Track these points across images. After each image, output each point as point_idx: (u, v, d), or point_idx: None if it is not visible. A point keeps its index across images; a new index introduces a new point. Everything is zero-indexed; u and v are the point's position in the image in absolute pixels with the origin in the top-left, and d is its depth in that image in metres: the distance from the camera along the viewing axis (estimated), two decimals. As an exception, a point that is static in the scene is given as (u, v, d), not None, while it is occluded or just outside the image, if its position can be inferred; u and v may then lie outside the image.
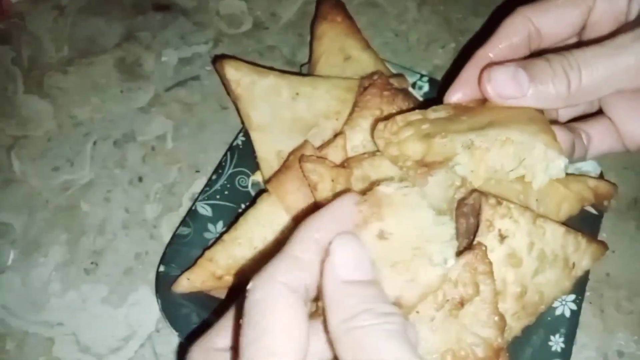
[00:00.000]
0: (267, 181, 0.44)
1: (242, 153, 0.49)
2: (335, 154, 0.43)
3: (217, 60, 0.48)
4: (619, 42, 0.32)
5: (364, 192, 0.34)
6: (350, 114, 0.45)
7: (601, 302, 0.48)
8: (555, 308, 0.45)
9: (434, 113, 0.41)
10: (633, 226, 0.51)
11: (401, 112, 0.40)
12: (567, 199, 0.47)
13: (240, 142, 0.50)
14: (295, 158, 0.42)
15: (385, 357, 0.24)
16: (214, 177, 0.48)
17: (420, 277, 0.34)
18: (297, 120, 0.47)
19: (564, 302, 0.45)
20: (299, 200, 0.42)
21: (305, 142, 0.43)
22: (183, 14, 0.61)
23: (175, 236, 0.46)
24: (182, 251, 0.45)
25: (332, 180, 0.40)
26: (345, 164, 0.42)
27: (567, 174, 0.48)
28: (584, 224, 0.47)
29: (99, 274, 0.47)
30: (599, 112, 0.40)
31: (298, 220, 0.40)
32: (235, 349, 0.27)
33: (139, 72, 0.58)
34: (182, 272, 0.43)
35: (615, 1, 0.35)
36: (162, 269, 0.44)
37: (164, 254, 0.44)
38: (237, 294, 0.43)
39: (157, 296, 0.43)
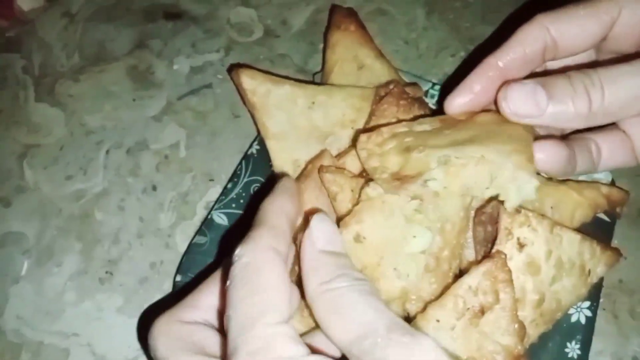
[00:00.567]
0: (285, 190, 0.44)
1: (257, 161, 0.49)
2: (353, 163, 0.43)
3: (232, 69, 0.48)
4: None
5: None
6: (367, 122, 0.46)
7: (615, 308, 0.48)
8: (570, 315, 0.45)
9: (419, 126, 0.41)
10: (644, 233, 0.52)
11: (388, 124, 0.40)
12: (581, 206, 0.47)
13: (255, 151, 0.50)
14: (314, 167, 0.42)
15: (362, 311, 0.26)
16: (229, 185, 0.48)
17: (381, 285, 0.35)
18: (313, 129, 0.47)
19: (579, 309, 0.45)
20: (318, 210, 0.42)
21: (324, 151, 0.43)
22: (194, 22, 0.61)
23: (191, 245, 0.45)
24: (198, 260, 0.45)
25: (352, 191, 0.40)
26: (364, 174, 0.42)
27: (580, 181, 0.49)
28: (597, 230, 0.47)
29: (114, 283, 0.47)
30: (613, 124, 0.39)
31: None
32: (221, 312, 0.30)
33: (151, 80, 0.58)
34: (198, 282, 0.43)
35: None
36: (178, 278, 0.44)
37: (181, 263, 0.44)
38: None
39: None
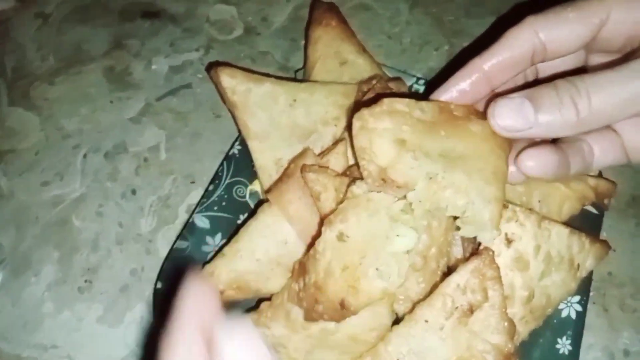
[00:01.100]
0: (267, 191, 0.43)
1: (239, 162, 0.48)
2: (336, 162, 0.42)
3: (211, 67, 0.47)
4: (633, 66, 0.31)
5: None
6: (349, 119, 0.44)
7: (605, 302, 0.48)
8: (561, 310, 0.44)
9: (420, 112, 0.39)
10: (633, 224, 0.51)
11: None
12: (569, 199, 0.46)
13: (236, 151, 0.49)
14: (296, 166, 0.41)
15: None
16: (210, 187, 0.47)
17: (361, 286, 0.34)
18: (295, 127, 0.46)
19: (569, 304, 0.44)
20: (301, 209, 0.41)
21: (306, 149, 0.42)
22: (172, 21, 0.60)
23: (172, 250, 0.44)
24: (179, 267, 0.43)
25: (336, 190, 0.39)
26: (347, 172, 0.41)
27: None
28: (586, 223, 0.47)
29: (94, 292, 0.45)
30: None
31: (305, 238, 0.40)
32: None
33: (129, 81, 0.56)
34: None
35: (632, 14, 0.33)
36: (159, 285, 0.42)
37: (161, 269, 0.43)
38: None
39: (154, 314, 0.42)
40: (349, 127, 0.44)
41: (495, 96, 0.35)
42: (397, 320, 0.40)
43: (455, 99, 0.37)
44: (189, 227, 0.45)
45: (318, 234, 0.36)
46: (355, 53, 0.51)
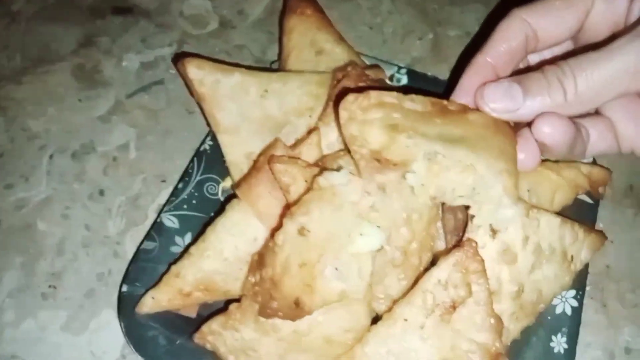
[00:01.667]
0: (235, 185, 0.40)
1: (210, 158, 0.46)
2: (309, 152, 0.40)
3: (178, 59, 0.44)
4: (615, 45, 0.32)
5: None
6: (324, 109, 0.42)
7: (603, 297, 0.45)
8: (555, 306, 0.42)
9: (410, 103, 0.38)
10: (630, 214, 0.48)
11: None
12: (561, 187, 0.44)
13: (207, 147, 0.46)
14: (266, 159, 0.39)
15: None
16: (180, 185, 0.45)
17: (317, 286, 0.32)
18: (267, 120, 0.44)
19: (564, 299, 0.42)
20: (272, 205, 0.38)
21: (276, 140, 0.40)
22: (144, 17, 0.58)
23: (139, 252, 0.42)
24: (147, 268, 0.41)
25: (306, 181, 0.36)
26: (320, 163, 0.38)
27: (558, 162, 0.46)
28: (580, 213, 0.44)
29: (58, 298, 0.43)
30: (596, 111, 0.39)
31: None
32: None
33: (98, 79, 0.54)
34: (147, 291, 0.39)
35: (614, 3, 0.34)
36: (125, 288, 0.40)
37: (127, 271, 0.41)
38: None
39: (119, 319, 0.39)
40: (323, 116, 0.42)
41: None
42: (376, 320, 0.37)
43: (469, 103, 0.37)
44: (156, 227, 0.43)
45: (279, 225, 0.33)
46: (332, 42, 0.49)
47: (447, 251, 0.37)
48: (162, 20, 0.58)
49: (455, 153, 0.35)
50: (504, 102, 0.34)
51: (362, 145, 0.35)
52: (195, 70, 0.43)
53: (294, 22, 0.50)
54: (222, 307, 0.39)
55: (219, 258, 0.38)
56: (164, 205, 0.43)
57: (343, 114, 0.36)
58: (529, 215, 0.38)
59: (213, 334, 0.38)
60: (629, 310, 0.44)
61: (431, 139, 0.35)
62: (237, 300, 0.37)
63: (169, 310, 0.40)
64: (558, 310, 0.41)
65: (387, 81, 0.48)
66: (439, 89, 0.46)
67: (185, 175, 0.45)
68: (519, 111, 0.34)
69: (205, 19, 0.58)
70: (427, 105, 0.38)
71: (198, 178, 0.45)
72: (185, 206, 0.44)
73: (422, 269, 0.38)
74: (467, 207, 0.37)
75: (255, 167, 0.40)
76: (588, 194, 0.46)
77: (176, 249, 0.42)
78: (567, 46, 0.39)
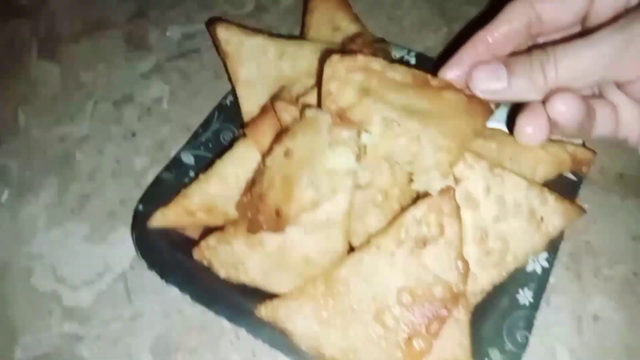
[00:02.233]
0: (244, 125, 0.46)
1: (230, 112, 0.52)
2: (313, 101, 0.45)
3: (212, 23, 0.51)
4: (596, 35, 0.33)
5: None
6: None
7: (579, 268, 0.47)
8: (526, 265, 0.44)
9: (392, 72, 0.42)
10: (617, 198, 0.51)
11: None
12: (543, 162, 0.47)
13: (228, 102, 0.52)
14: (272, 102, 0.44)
15: None
16: (200, 130, 0.50)
17: (294, 194, 0.36)
18: (280, 78, 0.49)
19: (536, 260, 0.44)
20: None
21: (282, 87, 0.45)
22: (192, -3, 0.66)
23: (157, 179, 0.47)
24: (161, 193, 0.46)
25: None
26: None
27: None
28: (562, 189, 0.47)
29: (84, 215, 0.49)
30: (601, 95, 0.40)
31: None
32: None
33: (144, 45, 0.62)
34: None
35: None
36: (140, 207, 0.46)
37: (144, 194, 0.46)
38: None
39: (132, 231, 0.45)
40: (320, 73, 0.47)
41: None
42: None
43: (464, 72, 0.39)
44: (175, 161, 0.49)
45: (270, 151, 0.38)
46: (348, 21, 0.54)
47: (426, 194, 0.40)
48: (206, 2, 0.65)
49: (408, 123, 0.39)
50: (490, 83, 0.36)
51: (333, 102, 0.40)
52: (223, 31, 0.50)
53: (317, 2, 0.56)
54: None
55: (222, 184, 0.44)
56: (184, 145, 0.49)
57: (327, 70, 0.41)
58: (493, 171, 0.41)
59: (209, 249, 0.43)
60: (603, 283, 0.46)
61: (393, 107, 0.39)
62: (234, 223, 0.42)
63: (175, 231, 0.45)
64: (529, 269, 0.44)
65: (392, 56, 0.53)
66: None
67: (206, 123, 0.51)
68: (504, 93, 0.36)
69: (243, 2, 0.65)
70: (407, 77, 0.42)
71: (217, 126, 0.51)
72: (202, 147, 0.50)
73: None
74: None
75: (262, 110, 0.45)
76: (573, 173, 0.49)
77: (189, 181, 0.48)
78: (576, 29, 0.40)
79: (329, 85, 0.40)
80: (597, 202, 0.50)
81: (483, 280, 0.42)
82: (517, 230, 0.42)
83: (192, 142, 0.50)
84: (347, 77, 0.41)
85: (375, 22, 0.63)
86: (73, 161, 0.52)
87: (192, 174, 0.48)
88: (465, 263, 0.39)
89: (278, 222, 0.37)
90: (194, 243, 0.45)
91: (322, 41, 0.52)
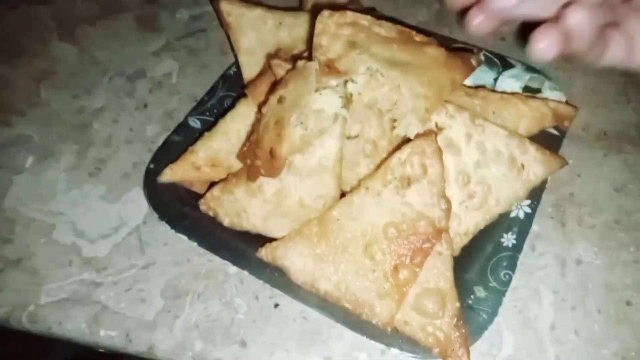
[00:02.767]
0: (245, 86, 0.50)
1: (233, 80, 0.55)
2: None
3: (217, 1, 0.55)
4: None
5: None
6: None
7: (563, 217, 0.49)
8: (510, 212, 0.47)
9: (378, 27, 0.46)
10: (600, 154, 0.53)
11: (357, 10, 0.45)
12: (525, 116, 0.49)
13: (232, 72, 0.56)
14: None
15: None
16: (206, 97, 0.54)
17: (285, 133, 0.39)
18: (279, 45, 0.53)
19: (519, 207, 0.47)
20: (270, 99, 0.47)
21: (279, 49, 0.49)
22: (199, -18, 0.70)
23: (166, 141, 0.51)
24: (170, 153, 0.50)
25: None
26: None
27: (529, 96, 0.51)
28: (545, 143, 0.49)
29: (101, 177, 0.53)
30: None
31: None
32: None
33: (155, 26, 0.66)
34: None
35: None
36: (151, 166, 0.50)
37: (154, 154, 0.50)
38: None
39: (144, 188, 0.49)
40: (311, 30, 0.50)
41: None
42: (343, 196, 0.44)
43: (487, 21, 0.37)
44: (182, 125, 0.53)
45: (265, 101, 0.42)
46: (344, -3, 0.58)
47: (407, 140, 0.44)
48: (212, -15, 0.70)
49: (390, 74, 0.42)
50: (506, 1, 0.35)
51: (322, 54, 0.43)
52: (225, 4, 0.54)
53: (314, -21, 0.60)
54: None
55: (225, 139, 0.47)
56: (191, 110, 0.53)
57: (318, 25, 0.44)
58: (474, 122, 0.44)
59: (214, 199, 0.46)
60: (586, 230, 0.49)
61: (377, 59, 0.43)
62: (236, 173, 0.46)
63: (183, 187, 0.49)
64: (512, 215, 0.46)
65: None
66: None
67: (212, 91, 0.55)
68: (517, 7, 0.35)
69: (246, -15, 0.69)
70: (392, 32, 0.46)
71: (221, 94, 0.55)
72: (207, 113, 0.54)
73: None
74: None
75: (261, 71, 0.49)
76: (556, 128, 0.51)
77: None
78: None
79: (320, 39, 0.43)
80: (581, 158, 0.53)
81: (467, 222, 0.45)
82: (498, 176, 0.44)
83: (199, 108, 0.54)
84: (336, 32, 0.44)
85: (370, 1, 0.66)
86: (90, 130, 0.57)
87: (198, 136, 0.52)
88: (448, 201, 0.42)
89: (272, 163, 0.40)
90: (200, 197, 0.48)
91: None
